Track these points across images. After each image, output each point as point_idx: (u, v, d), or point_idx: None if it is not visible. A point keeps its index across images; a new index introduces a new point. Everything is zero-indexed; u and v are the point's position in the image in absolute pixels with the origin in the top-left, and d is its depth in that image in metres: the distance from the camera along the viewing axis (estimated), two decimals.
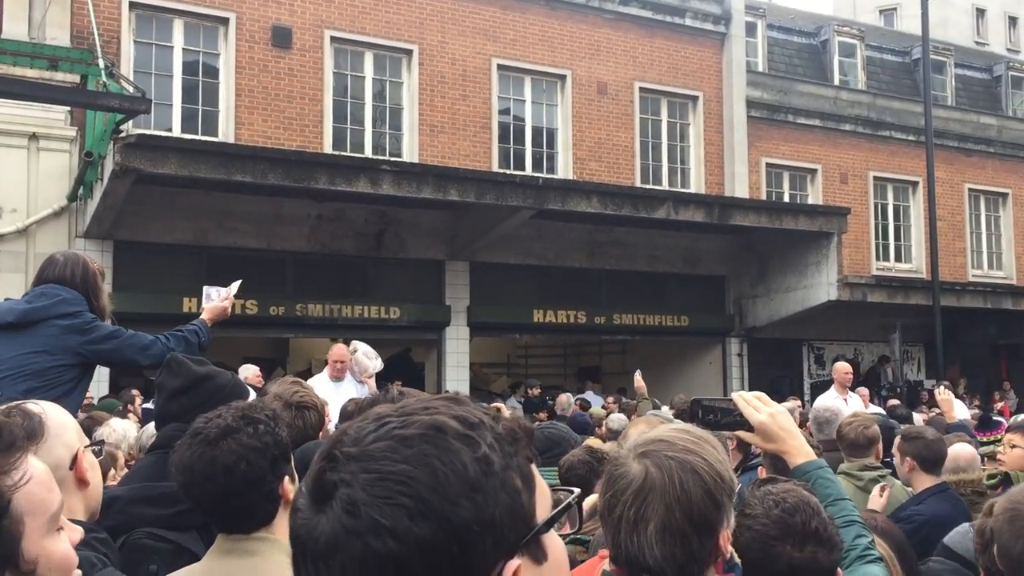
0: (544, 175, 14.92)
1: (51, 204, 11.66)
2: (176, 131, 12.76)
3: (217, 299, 4.15)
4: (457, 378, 13.86)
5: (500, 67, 15.26)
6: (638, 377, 9.89)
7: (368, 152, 14.11)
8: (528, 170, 15.26)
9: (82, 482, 1.77)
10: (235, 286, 4.25)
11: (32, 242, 11.55)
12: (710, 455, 1.59)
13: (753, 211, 14.66)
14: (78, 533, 1.26)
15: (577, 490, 0.99)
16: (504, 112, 15.49)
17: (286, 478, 2.01)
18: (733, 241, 16.11)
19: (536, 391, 14.85)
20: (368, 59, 14.37)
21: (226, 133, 13.06)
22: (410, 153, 14.40)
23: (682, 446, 1.60)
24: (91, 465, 1.79)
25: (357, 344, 7.65)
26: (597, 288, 15.41)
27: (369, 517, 0.81)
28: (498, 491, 0.85)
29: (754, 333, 16.44)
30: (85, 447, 1.81)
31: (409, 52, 14.52)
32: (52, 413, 1.77)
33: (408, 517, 0.81)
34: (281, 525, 1.99)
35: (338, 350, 7.79)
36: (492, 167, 14.82)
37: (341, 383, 7.48)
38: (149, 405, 7.87)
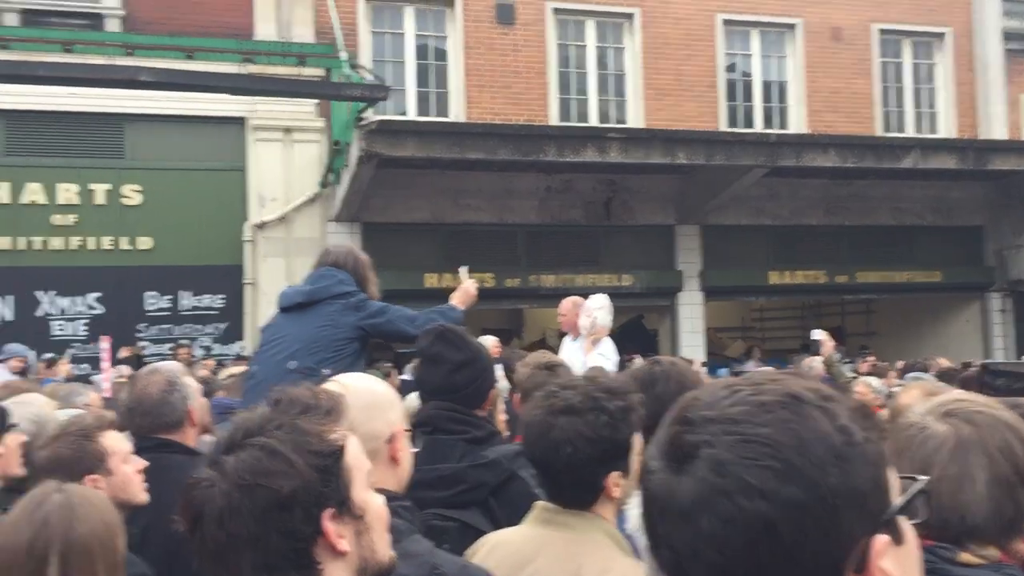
0: (776, 131, 14.33)
1: (305, 192, 12.57)
2: (411, 114, 13.35)
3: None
4: (692, 344, 13.68)
5: (725, 22, 14.75)
6: (822, 336, 7.49)
7: (594, 121, 14.13)
8: (758, 127, 14.71)
9: (394, 460, 1.85)
10: (463, 273, 4.51)
11: (290, 228, 12.52)
12: (1008, 411, 1.57)
13: (1015, 153, 13.36)
14: (380, 499, 1.38)
15: (925, 477, 0.95)
16: (731, 69, 14.98)
17: (615, 474, 1.97)
18: (990, 187, 14.77)
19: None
20: (590, 27, 14.34)
21: (457, 113, 13.51)
22: (636, 119, 14.28)
23: (983, 402, 1.57)
24: (404, 447, 1.88)
25: (591, 299, 6.94)
26: (837, 245, 14.65)
27: (737, 477, 0.82)
28: (861, 463, 0.84)
29: (1019, 287, 15.03)
30: (406, 430, 1.91)
31: (630, 16, 14.35)
32: (381, 390, 1.89)
33: (776, 479, 0.81)
34: (605, 508, 1.99)
35: (561, 304, 7.24)
36: (720, 127, 14.41)
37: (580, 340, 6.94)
38: (406, 376, 8.33)
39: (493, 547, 1.98)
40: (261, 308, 12.15)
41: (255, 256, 12.38)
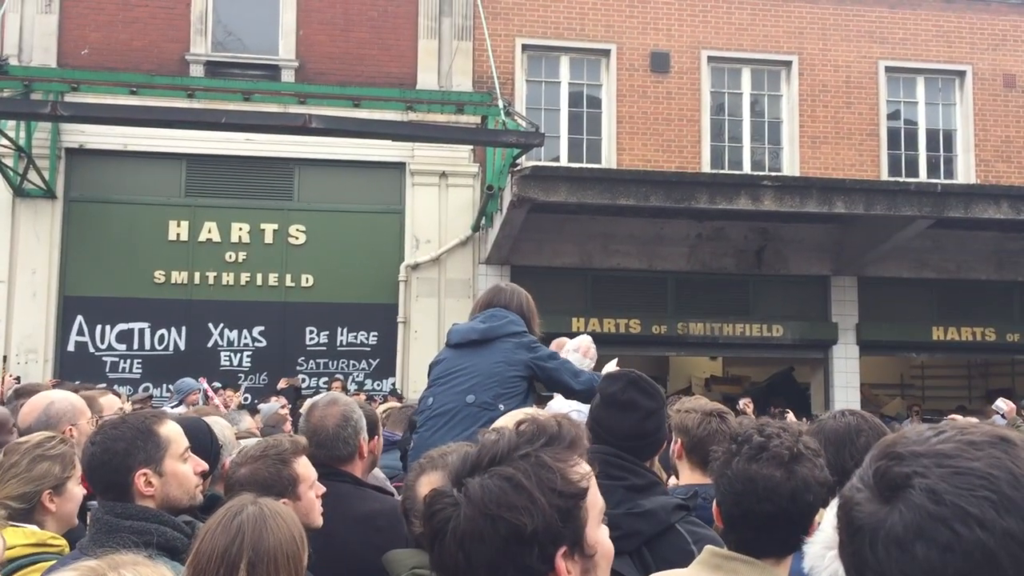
0: (942, 181, 13.76)
1: (458, 235, 12.93)
2: (563, 160, 13.56)
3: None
4: (846, 399, 13.15)
5: (888, 69, 14.35)
6: (1007, 406, 7.82)
7: (747, 169, 13.97)
8: (922, 176, 14.17)
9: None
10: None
11: (443, 269, 12.89)
12: None
13: None
14: (606, 534, 1.41)
15: None
16: (893, 116, 14.52)
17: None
18: None
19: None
20: (745, 75, 14.24)
21: (608, 159, 13.63)
22: (791, 167, 14.02)
23: None
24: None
25: (573, 340, 6.69)
26: (1007, 302, 13.85)
27: (955, 505, 0.83)
28: None
29: None
30: None
31: (788, 63, 14.17)
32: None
33: (994, 509, 0.82)
34: (782, 564, 1.96)
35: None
36: (881, 176, 13.96)
37: None
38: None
39: None
40: (412, 346, 12.52)
41: (408, 296, 12.78)
